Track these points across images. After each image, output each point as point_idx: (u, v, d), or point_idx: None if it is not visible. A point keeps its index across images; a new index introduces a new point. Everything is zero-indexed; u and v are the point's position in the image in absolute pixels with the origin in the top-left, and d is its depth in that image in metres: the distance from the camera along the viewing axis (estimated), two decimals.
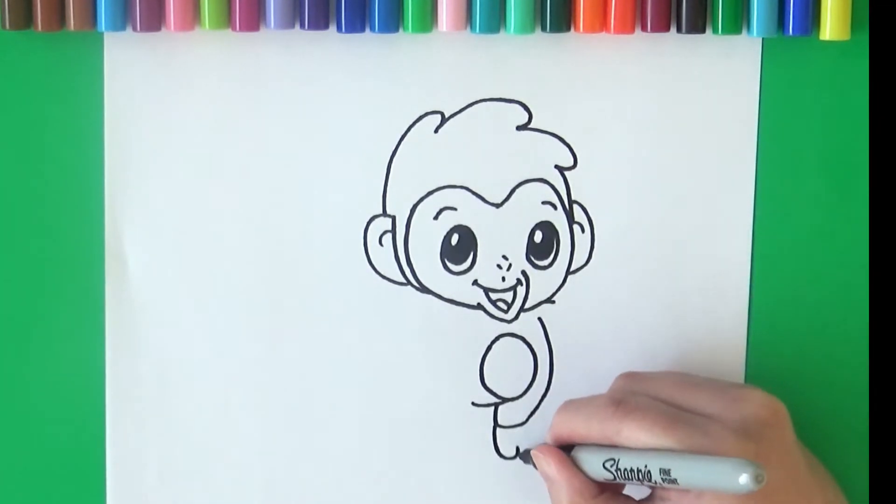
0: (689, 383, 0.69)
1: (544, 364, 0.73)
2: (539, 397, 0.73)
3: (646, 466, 0.64)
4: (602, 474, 0.67)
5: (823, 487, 0.68)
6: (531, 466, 0.70)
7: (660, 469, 0.64)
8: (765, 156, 0.72)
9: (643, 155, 0.72)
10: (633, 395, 0.68)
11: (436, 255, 0.72)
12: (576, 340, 0.73)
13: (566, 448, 0.69)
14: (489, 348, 0.72)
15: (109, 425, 0.72)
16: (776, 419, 0.66)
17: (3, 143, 0.70)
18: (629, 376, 0.70)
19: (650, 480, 0.65)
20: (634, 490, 0.67)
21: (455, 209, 0.71)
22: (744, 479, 0.60)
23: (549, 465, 0.68)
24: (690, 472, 0.63)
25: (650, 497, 0.67)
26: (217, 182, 0.71)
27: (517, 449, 0.73)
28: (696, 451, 0.64)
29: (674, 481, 0.63)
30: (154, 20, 0.68)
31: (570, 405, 0.69)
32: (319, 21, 0.69)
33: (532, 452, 0.70)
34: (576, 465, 0.68)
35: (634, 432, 0.65)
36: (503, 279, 0.72)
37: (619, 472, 0.66)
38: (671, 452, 0.64)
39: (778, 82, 0.72)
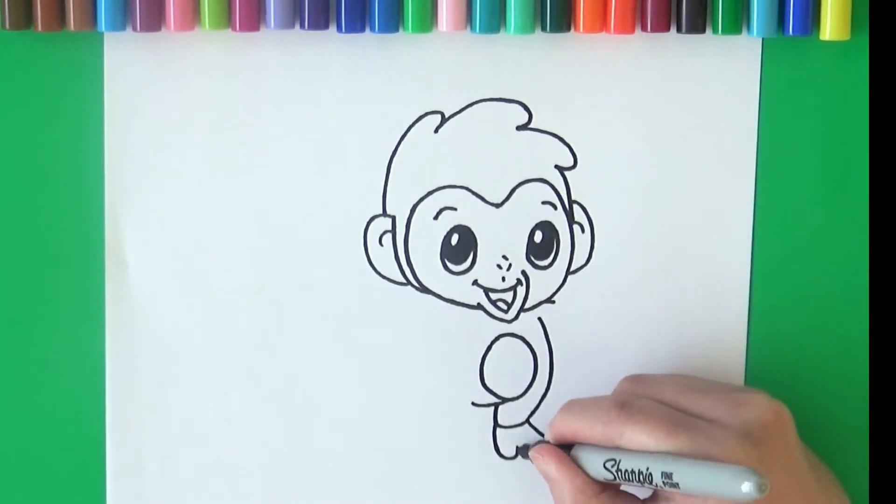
0: (692, 387, 0.68)
1: (544, 364, 0.73)
2: (539, 397, 0.73)
3: (647, 469, 0.64)
4: (602, 474, 0.67)
5: (827, 491, 0.68)
6: (530, 463, 0.70)
7: (661, 472, 0.64)
8: (765, 156, 0.72)
9: (643, 155, 0.72)
10: (636, 397, 0.68)
11: (436, 255, 0.72)
12: (576, 340, 0.73)
13: (565, 446, 0.69)
14: (489, 348, 0.72)
15: (109, 425, 0.72)
16: (780, 423, 0.66)
17: (3, 143, 0.70)
18: (633, 379, 0.70)
19: (651, 483, 0.65)
20: (637, 488, 0.67)
21: (455, 209, 0.71)
22: (746, 487, 0.60)
23: (549, 465, 0.68)
24: (693, 477, 0.63)
25: (653, 497, 0.67)
26: (217, 182, 0.71)
27: (517, 447, 0.73)
28: (698, 456, 0.64)
29: (675, 485, 0.63)
30: (154, 20, 0.68)
31: (574, 405, 0.69)
32: (319, 21, 0.69)
33: (531, 453, 0.70)
34: (576, 464, 0.68)
35: (637, 435, 0.65)
36: (503, 279, 0.72)
37: (619, 473, 0.66)
38: (674, 456, 0.64)
39: (778, 82, 0.72)
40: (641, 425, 0.65)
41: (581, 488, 0.67)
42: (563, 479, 0.68)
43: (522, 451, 0.72)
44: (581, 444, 0.68)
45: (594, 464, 0.67)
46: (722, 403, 0.67)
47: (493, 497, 0.73)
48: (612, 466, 0.66)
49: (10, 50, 0.69)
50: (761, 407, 0.66)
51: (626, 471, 0.65)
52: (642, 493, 0.68)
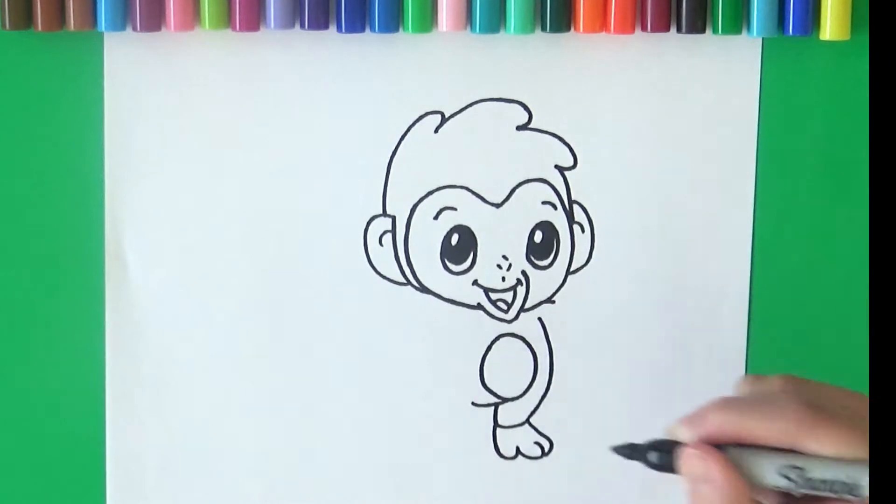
0: (852, 393, 0.65)
1: (544, 364, 0.73)
2: (539, 397, 0.73)
3: (853, 480, 0.60)
4: (774, 482, 0.62)
5: None
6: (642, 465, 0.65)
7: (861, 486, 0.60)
8: (765, 156, 0.72)
9: (643, 155, 0.72)
10: (820, 399, 0.63)
11: (436, 255, 0.72)
12: (576, 340, 0.73)
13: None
14: (489, 348, 0.73)
15: (109, 425, 0.72)
16: None
17: (3, 143, 0.70)
18: (794, 379, 0.65)
19: (851, 493, 0.61)
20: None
21: (455, 209, 0.71)
22: None
23: (712, 466, 0.61)
24: None
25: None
26: (217, 182, 0.71)
27: (616, 447, 0.65)
28: None
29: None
30: (154, 20, 0.68)
31: (737, 401, 0.64)
32: (319, 21, 0.69)
33: (688, 451, 0.62)
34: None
35: (832, 440, 0.61)
36: (503, 279, 0.72)
37: (806, 482, 0.61)
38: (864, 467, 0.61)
39: (778, 82, 0.72)
40: (839, 429, 0.61)
41: (744, 494, 0.61)
42: (727, 484, 0.61)
43: (627, 450, 0.64)
44: (743, 446, 0.62)
45: (764, 469, 0.62)
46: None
47: (493, 497, 0.73)
48: (798, 475, 0.61)
49: (10, 50, 0.69)
50: None
51: (818, 480, 0.61)
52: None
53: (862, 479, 0.61)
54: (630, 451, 0.64)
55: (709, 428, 0.62)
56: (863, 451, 0.61)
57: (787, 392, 0.64)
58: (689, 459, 0.62)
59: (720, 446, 0.62)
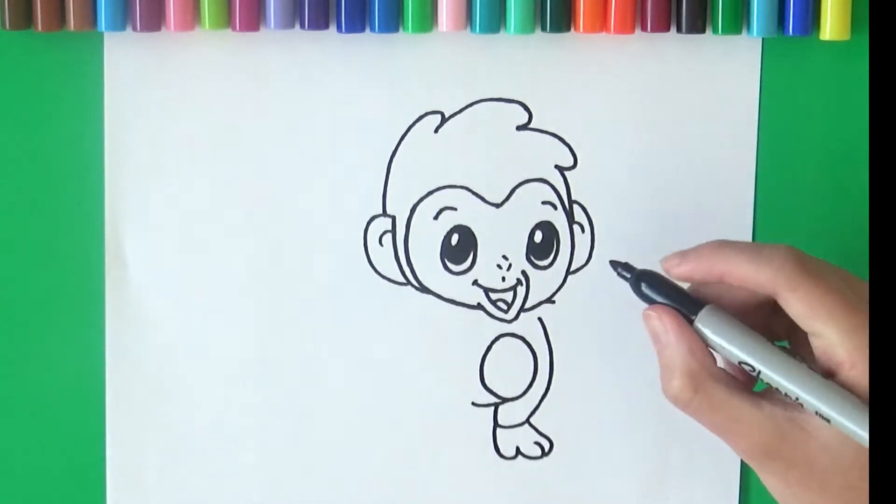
0: (860, 281, 0.64)
1: (544, 364, 0.73)
2: (539, 397, 0.73)
3: (797, 399, 0.61)
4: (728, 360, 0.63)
5: None
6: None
7: (816, 412, 0.60)
8: (765, 156, 0.72)
9: (643, 155, 0.72)
10: (816, 261, 0.62)
11: (436, 255, 0.72)
12: (576, 340, 0.73)
13: (686, 305, 0.64)
14: (489, 348, 0.73)
15: (109, 425, 0.72)
16: None
17: (3, 144, 0.70)
18: (797, 251, 0.64)
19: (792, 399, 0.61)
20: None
21: (455, 209, 0.71)
22: None
23: (667, 326, 0.63)
24: (851, 422, 0.60)
25: (767, 396, 0.63)
26: (217, 182, 0.71)
27: (612, 262, 0.67)
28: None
29: (827, 420, 0.61)
30: (154, 20, 0.68)
31: (732, 243, 0.63)
32: (319, 21, 0.69)
33: (645, 312, 0.64)
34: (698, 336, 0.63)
35: (812, 300, 0.60)
36: (503, 279, 0.72)
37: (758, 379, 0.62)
38: (835, 389, 0.61)
39: (778, 82, 0.72)
40: (822, 290, 0.61)
41: (698, 355, 0.62)
42: (680, 343, 0.63)
43: (621, 267, 0.66)
44: (709, 309, 0.63)
45: (723, 351, 0.63)
46: None
47: (493, 497, 0.73)
48: (751, 372, 0.62)
49: (10, 50, 0.69)
50: None
51: (769, 382, 0.61)
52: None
53: (813, 398, 0.61)
54: (623, 271, 0.66)
55: (700, 264, 0.63)
56: (838, 320, 0.60)
57: (785, 248, 0.63)
58: (647, 319, 0.64)
59: (694, 315, 0.63)
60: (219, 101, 0.70)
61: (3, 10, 0.67)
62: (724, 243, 0.64)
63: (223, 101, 0.70)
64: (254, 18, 0.69)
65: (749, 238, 0.72)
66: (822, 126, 0.72)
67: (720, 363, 0.65)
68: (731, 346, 0.63)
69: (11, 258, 0.70)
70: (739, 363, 0.63)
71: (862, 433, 0.60)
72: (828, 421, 0.61)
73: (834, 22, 0.70)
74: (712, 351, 0.64)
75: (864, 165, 0.72)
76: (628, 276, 0.66)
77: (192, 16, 0.68)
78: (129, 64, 0.69)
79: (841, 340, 0.61)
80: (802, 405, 0.62)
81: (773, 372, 0.62)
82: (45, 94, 0.69)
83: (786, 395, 0.62)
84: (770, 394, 0.64)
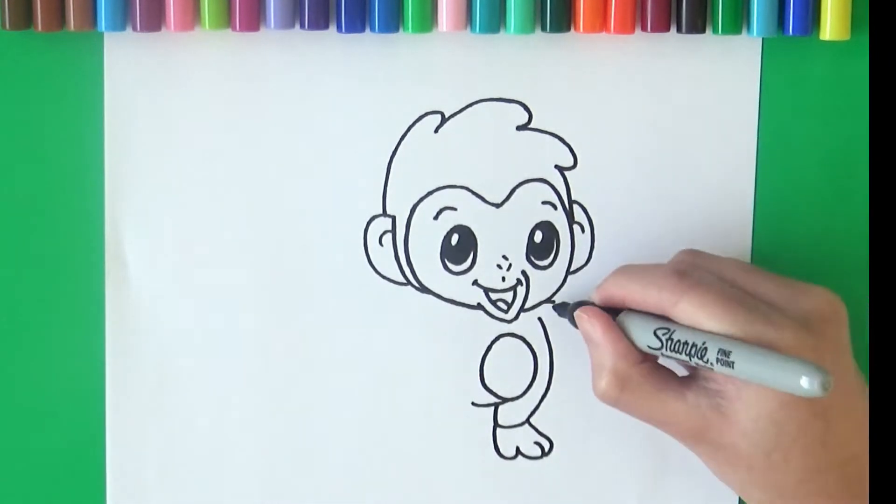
0: (754, 270, 0.67)
1: (544, 364, 0.73)
2: (539, 397, 0.73)
3: (703, 343, 0.63)
4: (648, 342, 0.65)
5: (866, 393, 0.67)
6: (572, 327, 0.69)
7: (719, 349, 0.62)
8: (765, 156, 0.72)
9: (643, 155, 0.72)
10: (696, 269, 0.66)
11: (436, 255, 0.72)
12: (576, 340, 0.72)
13: (611, 311, 0.68)
14: (489, 348, 0.72)
15: (109, 425, 0.72)
16: (837, 318, 0.65)
17: (3, 143, 0.70)
18: (693, 252, 0.69)
19: (701, 359, 0.63)
20: (676, 364, 0.67)
21: (455, 209, 0.71)
22: (810, 383, 0.58)
23: (595, 327, 0.67)
24: (751, 362, 0.61)
25: (692, 376, 0.66)
26: (217, 182, 0.71)
27: (553, 305, 0.72)
28: (753, 338, 0.62)
29: (730, 365, 0.62)
30: (154, 20, 0.68)
31: (629, 269, 0.68)
32: (319, 21, 0.69)
33: (576, 313, 0.68)
34: (621, 330, 0.67)
35: (693, 307, 0.64)
36: (503, 279, 0.72)
37: (669, 343, 0.64)
38: (729, 338, 0.63)
39: (778, 82, 0.72)
40: (700, 297, 0.64)
41: (623, 354, 0.66)
42: (606, 343, 0.67)
43: (560, 308, 0.71)
44: (630, 309, 0.67)
45: (642, 331, 0.66)
46: (783, 289, 0.66)
47: (493, 497, 0.73)
48: (664, 335, 0.64)
49: (10, 50, 0.69)
50: (821, 298, 0.65)
51: (679, 342, 0.63)
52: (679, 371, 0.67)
53: (728, 347, 0.62)
54: (561, 310, 0.71)
55: (602, 291, 0.68)
56: (722, 321, 0.63)
57: (675, 261, 0.68)
58: (578, 320, 0.68)
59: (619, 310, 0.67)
60: (219, 101, 0.70)
61: (3, 10, 0.67)
62: (624, 270, 0.68)
63: (223, 101, 0.70)
64: (254, 18, 0.69)
65: (749, 239, 0.72)
66: (822, 126, 0.72)
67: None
68: (648, 324, 0.66)
69: (11, 258, 0.70)
70: (659, 350, 0.65)
71: (796, 382, 0.60)
72: (731, 366, 0.62)
73: (834, 22, 0.70)
74: (640, 349, 0.66)
75: (864, 165, 0.72)
76: (565, 312, 0.70)
77: (192, 16, 0.68)
78: (129, 64, 0.69)
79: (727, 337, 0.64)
80: (713, 368, 0.63)
81: (682, 333, 0.64)
82: (45, 94, 0.69)
83: (699, 356, 0.63)
84: (694, 383, 0.66)
